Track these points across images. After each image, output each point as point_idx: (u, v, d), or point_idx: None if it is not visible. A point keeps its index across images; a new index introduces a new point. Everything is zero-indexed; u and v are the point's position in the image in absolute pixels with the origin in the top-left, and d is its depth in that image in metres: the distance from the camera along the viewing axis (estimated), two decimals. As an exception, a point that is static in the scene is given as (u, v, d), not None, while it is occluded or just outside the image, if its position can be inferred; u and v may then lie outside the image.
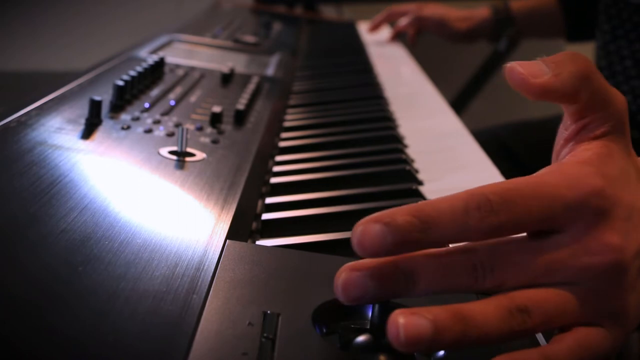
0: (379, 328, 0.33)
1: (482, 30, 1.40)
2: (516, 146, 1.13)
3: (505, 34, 1.37)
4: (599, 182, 0.34)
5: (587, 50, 1.25)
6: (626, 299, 0.33)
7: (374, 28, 1.49)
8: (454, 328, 0.30)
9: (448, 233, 0.32)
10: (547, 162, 0.40)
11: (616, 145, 0.37)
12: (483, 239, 0.33)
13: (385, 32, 1.48)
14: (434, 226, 0.31)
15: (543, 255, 0.32)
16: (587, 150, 0.37)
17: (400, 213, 0.31)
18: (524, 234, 0.33)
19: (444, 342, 0.30)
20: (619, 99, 0.38)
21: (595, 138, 0.37)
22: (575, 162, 0.36)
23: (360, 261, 0.32)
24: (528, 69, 0.37)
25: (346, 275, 0.32)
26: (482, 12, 1.40)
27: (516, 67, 0.37)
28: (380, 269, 0.32)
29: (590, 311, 0.33)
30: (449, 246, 0.33)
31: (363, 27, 1.55)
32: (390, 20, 1.48)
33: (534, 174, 0.35)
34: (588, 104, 0.37)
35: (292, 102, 0.89)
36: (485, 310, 0.31)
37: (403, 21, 1.43)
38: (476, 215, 0.32)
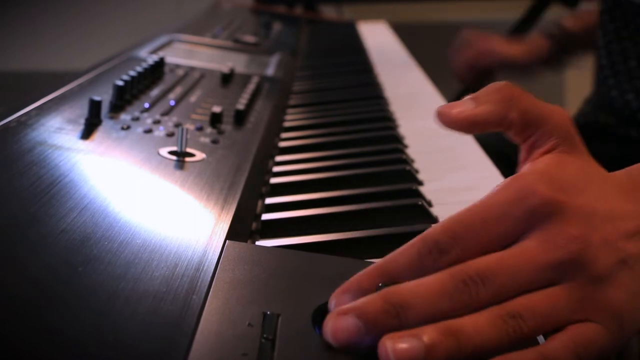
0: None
1: (543, 60, 1.30)
2: (516, 147, 1.13)
3: (572, 54, 1.29)
4: (543, 188, 0.35)
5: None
6: (605, 291, 0.34)
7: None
8: (447, 344, 0.30)
9: (408, 283, 0.33)
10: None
11: (567, 155, 0.38)
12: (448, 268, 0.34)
13: (386, 33, 1.44)
14: (394, 277, 0.33)
15: (513, 262, 0.33)
16: (537, 163, 0.38)
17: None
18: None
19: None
20: (558, 113, 0.39)
21: (546, 152, 0.39)
22: (521, 175, 0.37)
23: (347, 306, 0.33)
24: (454, 107, 0.39)
25: (334, 321, 0.32)
26: (535, 44, 1.29)
27: (443, 109, 0.40)
28: (369, 308, 0.32)
29: (578, 307, 0.33)
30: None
31: (363, 27, 1.55)
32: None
33: (484, 197, 0.36)
34: (524, 125, 0.39)
35: (292, 102, 0.89)
36: (476, 322, 0.31)
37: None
38: (429, 259, 0.33)
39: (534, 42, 1.31)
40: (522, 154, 0.40)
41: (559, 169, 0.37)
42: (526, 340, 0.33)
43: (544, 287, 0.33)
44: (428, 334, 0.30)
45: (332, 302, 0.34)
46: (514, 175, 0.37)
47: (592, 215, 0.35)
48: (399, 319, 0.31)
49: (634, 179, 0.39)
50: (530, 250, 0.34)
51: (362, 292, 0.33)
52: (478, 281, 0.32)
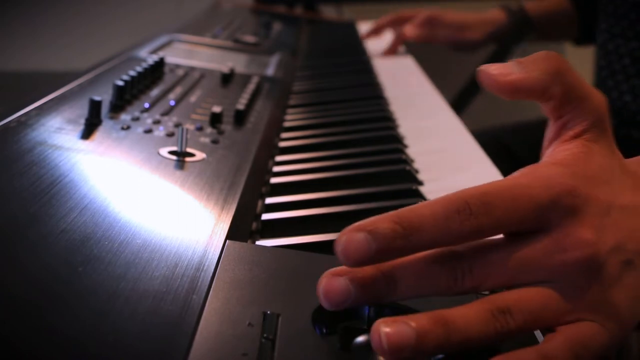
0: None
1: (498, 36, 1.28)
2: (516, 147, 1.13)
3: (526, 38, 1.28)
4: (569, 181, 0.34)
5: (588, 52, 1.25)
6: (610, 292, 0.34)
7: (375, 33, 1.32)
8: (436, 333, 0.31)
9: (430, 238, 0.32)
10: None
11: (596, 144, 0.37)
12: (463, 242, 0.34)
13: (388, 36, 1.42)
14: (416, 232, 0.32)
15: (519, 254, 0.33)
16: (565, 150, 0.37)
17: (383, 220, 0.32)
18: (501, 235, 0.34)
19: (428, 348, 0.31)
20: (597, 96, 0.38)
21: (576, 136, 0.38)
22: (549, 163, 0.36)
23: (341, 267, 0.33)
24: (499, 70, 0.38)
25: (327, 280, 0.33)
26: (494, 15, 1.29)
27: (488, 69, 0.38)
28: (361, 273, 0.33)
29: (573, 307, 0.33)
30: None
31: (363, 27, 1.55)
32: (396, 24, 1.31)
33: (509, 176, 0.36)
34: (563, 101, 0.38)
35: (292, 102, 0.89)
36: (467, 314, 0.32)
37: (410, 29, 1.26)
38: (456, 219, 0.32)
39: (491, 15, 1.29)
40: (550, 130, 0.39)
41: (585, 160, 0.36)
42: (514, 336, 0.33)
43: (542, 283, 0.33)
44: (420, 322, 0.31)
45: (342, 236, 0.32)
46: (542, 162, 0.37)
47: (607, 214, 0.35)
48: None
49: None
50: (542, 248, 0.33)
51: (378, 240, 0.32)
52: (484, 259, 0.33)
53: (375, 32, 1.34)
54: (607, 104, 0.39)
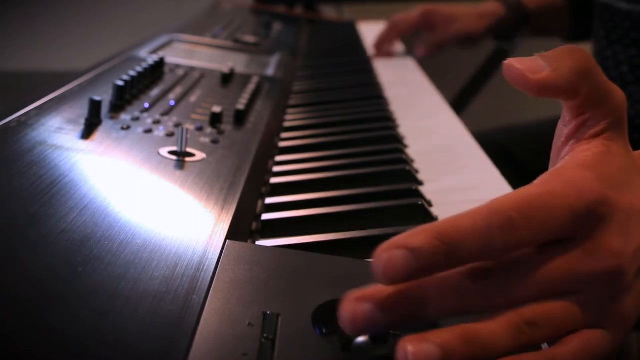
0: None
1: (496, 30, 1.26)
2: (515, 150, 1.12)
3: (520, 32, 1.26)
4: (601, 188, 0.34)
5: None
6: (623, 300, 0.34)
7: (379, 51, 1.24)
8: (462, 351, 0.30)
9: (471, 254, 0.31)
10: (546, 163, 0.40)
11: (615, 143, 0.37)
12: (503, 255, 0.32)
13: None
14: (458, 249, 0.30)
15: (551, 268, 0.32)
16: (586, 150, 0.37)
17: (423, 237, 0.30)
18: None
19: None
20: (619, 94, 0.38)
21: (595, 135, 0.37)
22: (576, 166, 0.35)
23: (367, 291, 0.31)
24: (526, 66, 0.37)
25: (352, 307, 0.31)
26: (493, 8, 1.26)
27: (514, 64, 0.37)
28: (388, 298, 0.31)
29: (592, 316, 0.33)
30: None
31: (363, 27, 1.55)
32: (397, 33, 1.26)
33: (539, 182, 0.34)
34: (588, 100, 0.37)
35: (292, 102, 0.89)
36: (494, 330, 0.31)
37: (419, 49, 1.22)
38: (498, 234, 0.31)
39: (489, 8, 1.27)
40: (569, 128, 0.38)
41: (608, 162, 0.36)
42: (535, 346, 0.32)
43: (568, 295, 0.33)
44: (447, 339, 0.30)
45: (382, 255, 0.30)
46: (566, 164, 0.36)
47: (630, 218, 0.34)
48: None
49: None
50: (572, 260, 0.33)
51: (419, 260, 0.30)
52: (517, 274, 0.32)
53: (380, 50, 1.27)
54: (626, 102, 0.38)
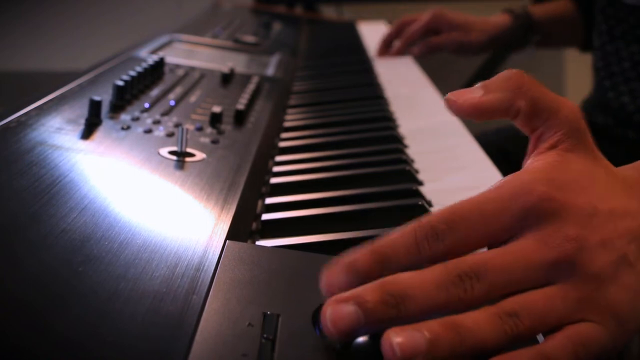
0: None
1: (501, 39, 1.26)
2: (515, 150, 1.12)
3: (530, 41, 1.26)
4: (542, 187, 0.35)
5: (586, 54, 1.25)
6: (606, 289, 0.34)
7: (385, 48, 1.23)
8: (449, 337, 0.31)
9: (403, 264, 0.34)
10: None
11: (572, 153, 0.38)
12: (434, 262, 0.34)
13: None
14: (391, 262, 0.34)
15: (506, 261, 0.33)
16: (538, 160, 0.38)
17: (363, 252, 0.34)
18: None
19: (441, 353, 0.30)
20: (567, 105, 0.39)
21: (551, 147, 0.38)
22: (520, 173, 0.37)
23: (345, 293, 0.32)
24: (463, 95, 0.40)
25: (333, 308, 0.32)
26: (499, 20, 1.26)
27: (451, 96, 0.40)
28: (368, 297, 0.32)
29: (576, 307, 0.33)
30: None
31: (363, 27, 1.55)
32: (407, 36, 1.23)
33: (483, 192, 0.36)
34: (531, 114, 0.39)
35: (292, 102, 0.89)
36: (477, 318, 0.32)
37: (415, 49, 1.22)
38: (425, 244, 0.34)
39: (496, 19, 1.27)
40: (529, 146, 0.40)
41: (559, 168, 0.37)
42: (524, 339, 0.33)
43: (540, 286, 0.33)
44: (431, 328, 0.31)
45: (324, 280, 0.34)
46: (514, 173, 0.37)
47: (591, 216, 0.35)
48: (398, 309, 0.31)
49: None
50: (524, 249, 0.34)
51: (358, 274, 0.33)
52: (472, 276, 0.33)
53: (385, 47, 1.26)
54: (580, 113, 0.39)
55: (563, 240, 0.34)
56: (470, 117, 0.40)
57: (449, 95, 0.40)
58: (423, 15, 1.24)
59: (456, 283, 0.32)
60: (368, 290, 0.32)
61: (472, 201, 0.35)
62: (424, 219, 0.35)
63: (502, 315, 0.32)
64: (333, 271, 0.34)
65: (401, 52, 1.24)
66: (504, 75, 0.40)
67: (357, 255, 0.34)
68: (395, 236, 0.35)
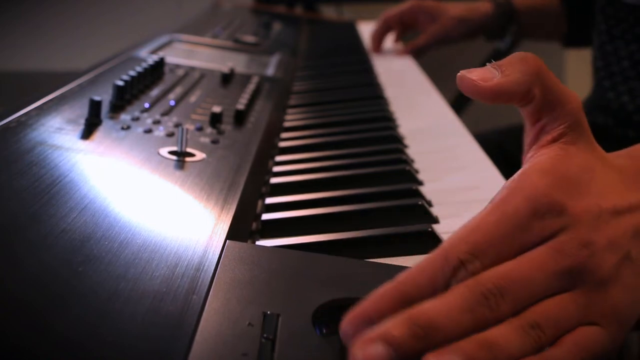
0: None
1: (484, 27, 1.28)
2: (515, 150, 1.12)
3: (509, 31, 1.27)
4: (555, 195, 0.34)
5: (587, 54, 1.25)
6: (610, 291, 0.34)
7: (377, 46, 1.27)
8: (484, 357, 0.30)
9: (424, 296, 0.32)
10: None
11: (574, 146, 0.38)
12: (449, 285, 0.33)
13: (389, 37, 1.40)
14: (413, 295, 0.32)
15: (534, 268, 0.33)
16: (542, 155, 0.37)
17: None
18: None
19: None
20: (573, 96, 0.38)
21: (553, 140, 0.38)
22: (532, 171, 0.36)
23: (374, 332, 0.31)
24: (478, 74, 0.38)
25: (363, 351, 0.30)
26: (481, 8, 1.28)
27: (466, 74, 0.38)
28: (395, 332, 0.30)
29: (585, 312, 0.33)
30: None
31: (363, 27, 1.55)
32: (387, 25, 1.28)
33: (496, 202, 0.35)
34: (542, 103, 0.38)
35: (292, 102, 0.89)
36: (505, 334, 0.31)
37: (418, 42, 1.25)
38: (447, 271, 0.32)
39: (480, 6, 1.28)
40: (529, 136, 0.39)
41: (564, 164, 0.36)
42: (543, 348, 0.33)
43: (553, 293, 0.33)
44: (466, 350, 0.30)
45: (348, 329, 0.31)
46: (521, 173, 0.36)
47: (598, 217, 0.35)
48: (427, 340, 0.30)
49: (635, 161, 0.39)
50: (541, 259, 0.33)
51: (382, 318, 0.31)
52: (496, 292, 0.32)
53: (377, 45, 1.28)
54: (581, 104, 0.39)
55: (578, 248, 0.34)
56: (485, 99, 0.38)
57: (464, 73, 0.38)
58: (403, 4, 1.28)
59: (481, 302, 0.32)
60: (396, 326, 0.30)
61: (490, 220, 0.34)
62: (447, 249, 0.33)
63: (527, 327, 0.32)
64: (356, 319, 0.32)
65: (378, 35, 1.27)
66: (519, 57, 0.38)
67: (378, 298, 0.32)
68: (416, 271, 0.33)
